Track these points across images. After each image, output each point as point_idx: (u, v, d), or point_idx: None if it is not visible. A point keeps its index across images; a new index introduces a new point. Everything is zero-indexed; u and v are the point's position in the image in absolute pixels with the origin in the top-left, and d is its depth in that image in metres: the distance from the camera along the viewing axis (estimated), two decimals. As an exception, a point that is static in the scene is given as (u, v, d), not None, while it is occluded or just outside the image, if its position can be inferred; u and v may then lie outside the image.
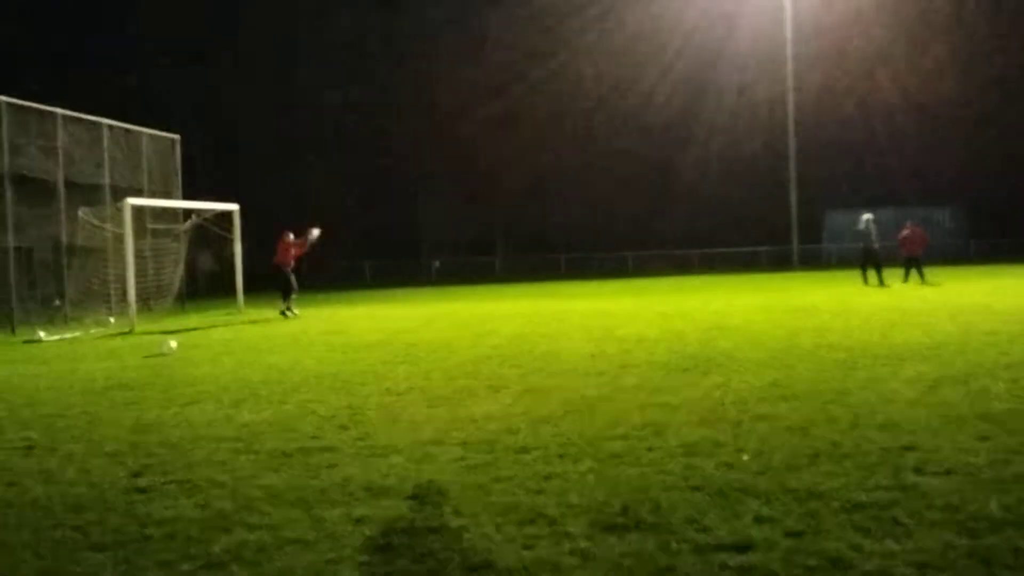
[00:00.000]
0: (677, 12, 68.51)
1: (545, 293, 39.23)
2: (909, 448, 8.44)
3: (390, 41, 72.80)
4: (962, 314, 20.91)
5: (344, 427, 10.53)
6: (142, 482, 8.37)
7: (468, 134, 69.82)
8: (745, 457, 8.33)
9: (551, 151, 71.66)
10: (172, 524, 7.09)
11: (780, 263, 60.56)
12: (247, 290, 35.93)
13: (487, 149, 70.50)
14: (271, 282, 31.54)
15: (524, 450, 9.01)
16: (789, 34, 59.33)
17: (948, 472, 7.61)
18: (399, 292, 45.67)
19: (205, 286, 37.44)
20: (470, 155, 70.60)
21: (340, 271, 62.41)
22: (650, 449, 8.83)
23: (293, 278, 30.22)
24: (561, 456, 8.70)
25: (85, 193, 32.22)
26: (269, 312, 31.82)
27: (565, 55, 70.96)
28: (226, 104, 70.13)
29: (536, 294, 38.85)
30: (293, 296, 30.48)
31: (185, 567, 6.18)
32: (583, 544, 6.29)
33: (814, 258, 63.52)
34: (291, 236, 30.53)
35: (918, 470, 7.70)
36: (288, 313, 29.86)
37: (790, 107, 60.01)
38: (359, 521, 6.99)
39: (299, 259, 31.01)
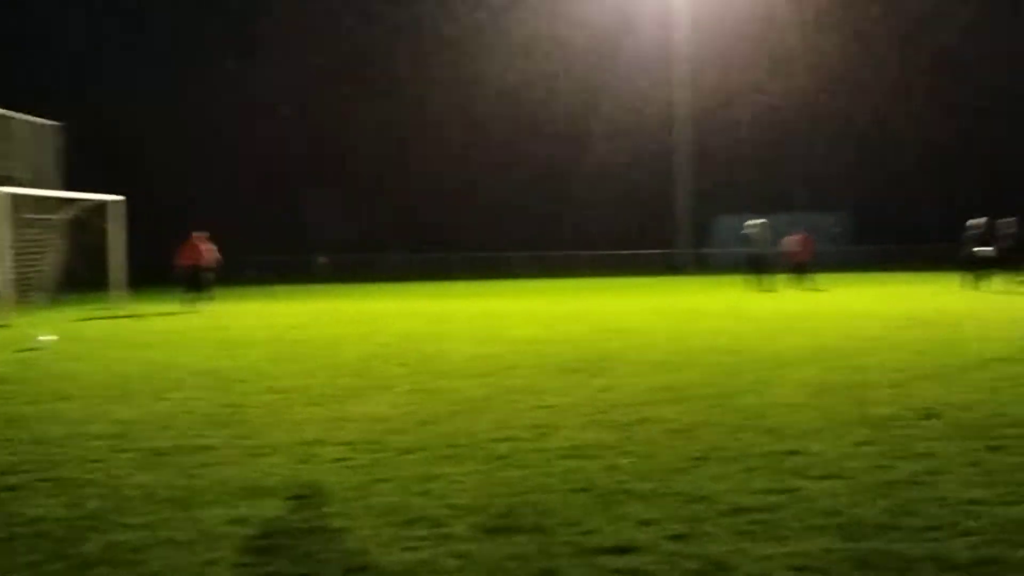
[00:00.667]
0: (570, 15, 68.87)
1: (436, 293, 39.09)
2: (793, 452, 8.48)
3: (282, 36, 72.00)
4: (847, 319, 21.26)
5: (224, 425, 10.28)
6: (11, 480, 8.05)
7: (360, 132, 69.43)
8: (631, 460, 8.31)
9: (446, 150, 71.52)
10: (41, 523, 6.81)
11: (671, 267, 61.19)
12: (132, 284, 35.15)
13: (379, 147, 70.16)
14: (172, 279, 31.83)
15: (408, 451, 8.88)
16: (680, 39, 59.98)
17: (830, 476, 7.65)
18: (285, 289, 45.16)
19: (86, 279, 36.49)
20: (362, 153, 70.15)
21: (225, 267, 61.56)
22: (536, 451, 8.76)
23: (200, 277, 30.83)
24: (446, 457, 8.58)
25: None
26: (151, 307, 31.22)
27: (460, 55, 70.91)
28: (118, 97, 68.76)
29: (427, 293, 38.68)
30: (198, 295, 30.75)
31: (55, 567, 5.92)
32: (465, 546, 6.18)
33: (704, 262, 64.27)
34: (197, 237, 31.29)
35: (801, 474, 7.73)
36: (194, 305, 30.12)
37: (681, 112, 60.64)
38: (237, 522, 6.79)
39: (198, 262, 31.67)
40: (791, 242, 37.14)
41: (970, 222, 32.83)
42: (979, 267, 31.85)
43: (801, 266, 36.07)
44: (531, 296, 35.02)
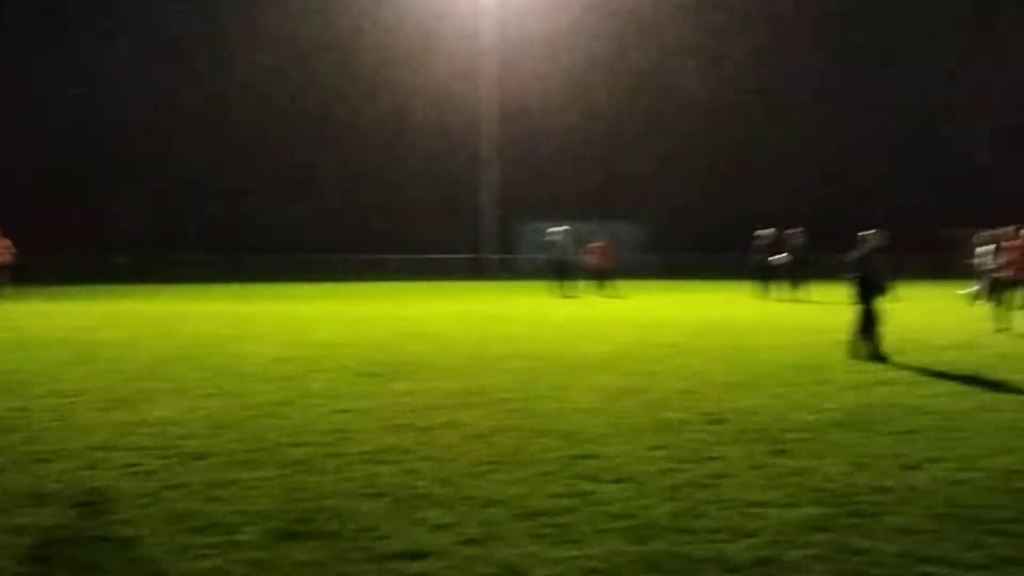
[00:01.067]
0: (380, 19, 68.62)
1: (237, 295, 38.34)
2: (587, 456, 8.66)
3: (82, 34, 69.61)
4: (645, 326, 21.76)
5: (8, 431, 9.90)
6: None
7: (163, 131, 67.65)
8: (429, 465, 8.34)
9: (250, 151, 70.23)
10: None
11: (477, 271, 61.51)
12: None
13: (184, 147, 68.50)
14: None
15: (202, 456, 8.73)
16: (488, 46, 60.41)
17: (622, 480, 7.84)
18: (81, 289, 43.65)
19: None
20: (165, 152, 68.36)
21: (18, 265, 59.14)
22: (333, 456, 8.72)
23: None
24: (240, 463, 8.47)
25: None
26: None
27: (264, 57, 69.80)
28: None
29: (228, 295, 37.89)
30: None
31: None
32: (256, 553, 6.12)
33: (509, 268, 64.79)
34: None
35: (593, 478, 7.91)
36: None
37: (489, 118, 61.08)
38: (20, 530, 6.57)
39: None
40: (592, 249, 37.78)
41: (758, 232, 34.01)
42: (770, 276, 32.97)
43: (602, 273, 36.73)
44: (335, 299, 34.72)
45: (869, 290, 16.31)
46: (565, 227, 36.82)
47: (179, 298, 35.78)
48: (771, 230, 33.84)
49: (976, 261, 28.94)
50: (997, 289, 20.64)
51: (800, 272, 32.63)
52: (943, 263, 64.63)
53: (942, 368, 14.50)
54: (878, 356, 15.53)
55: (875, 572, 5.76)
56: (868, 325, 16.09)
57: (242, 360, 15.75)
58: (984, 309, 24.46)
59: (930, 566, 5.86)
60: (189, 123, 68.52)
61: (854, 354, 15.78)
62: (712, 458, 8.60)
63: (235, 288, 43.41)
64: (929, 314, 25.54)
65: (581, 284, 36.46)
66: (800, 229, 33.40)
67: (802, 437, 9.49)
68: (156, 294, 38.31)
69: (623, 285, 39.37)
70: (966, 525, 6.65)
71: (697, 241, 65.94)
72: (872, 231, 16.92)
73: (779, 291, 32.87)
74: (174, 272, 58.54)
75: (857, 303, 16.42)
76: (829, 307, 28.02)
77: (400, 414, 10.80)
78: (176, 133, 68.41)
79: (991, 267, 28.20)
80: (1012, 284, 20.52)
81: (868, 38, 71.35)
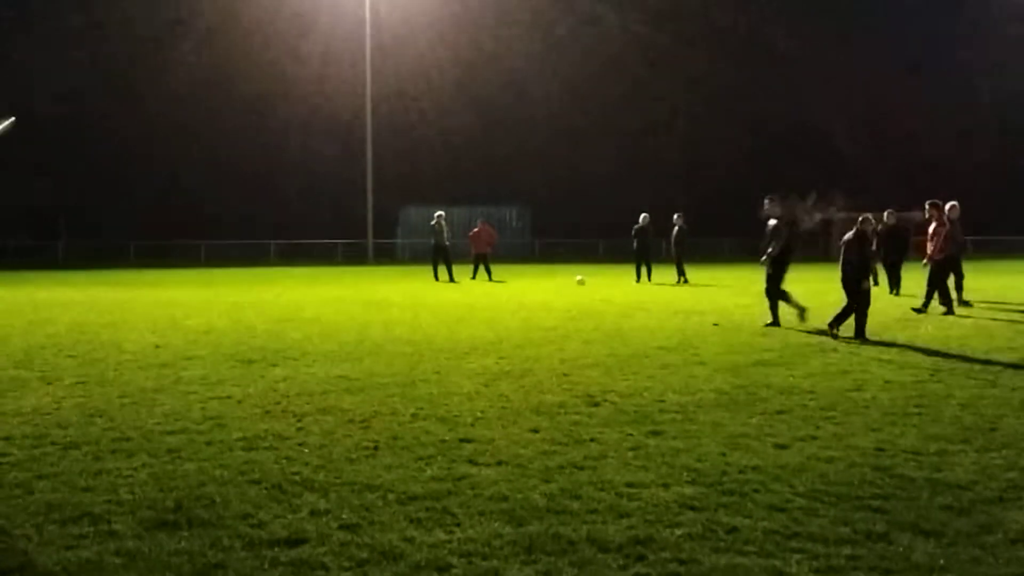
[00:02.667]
0: (257, 2, 67.79)
1: (111, 281, 37.55)
2: (466, 440, 8.69)
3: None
4: (524, 310, 21.85)
5: None
6: None
7: (34, 117, 65.86)
8: (306, 451, 8.29)
9: (126, 136, 68.73)
10: None
11: (356, 257, 61.18)
12: None
13: (54, 127, 66.75)
14: None
15: (74, 445, 8.55)
16: (368, 30, 60.01)
17: (500, 463, 7.89)
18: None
19: None
20: (31, 138, 66.53)
21: None
22: (209, 443, 8.61)
23: None
24: (114, 451, 8.32)
25: None
26: None
27: (146, 39, 68.47)
28: None
29: (102, 282, 37.07)
30: None
31: None
32: (130, 543, 6.02)
33: (389, 253, 64.55)
34: None
35: (472, 461, 7.94)
36: None
37: (368, 103, 60.72)
38: None
39: None
40: (472, 234, 37.83)
41: (642, 216, 34.35)
42: (648, 260, 33.39)
43: (481, 257, 36.79)
44: (212, 285, 34.23)
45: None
46: (443, 212, 36.74)
47: (48, 284, 34.90)
48: (647, 215, 34.21)
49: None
50: (939, 273, 20.52)
51: (679, 256, 33.11)
52: (817, 246, 66.35)
53: (815, 349, 14.84)
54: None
55: (747, 549, 5.87)
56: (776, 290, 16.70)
57: (116, 348, 15.44)
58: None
59: (800, 542, 6.00)
60: (63, 112, 66.78)
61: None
62: (589, 440, 8.69)
63: (110, 275, 42.48)
64: (804, 295, 26.06)
65: (461, 268, 36.46)
66: (679, 214, 33.86)
67: (677, 418, 9.64)
68: (27, 281, 37.33)
69: (504, 269, 39.55)
70: (835, 502, 6.82)
71: (577, 225, 66.47)
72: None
73: (657, 274, 33.34)
74: (44, 259, 57.18)
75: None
76: (706, 290, 28.49)
77: (277, 400, 10.71)
78: (51, 120, 66.55)
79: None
80: (943, 265, 20.56)
81: (746, 29, 72.60)
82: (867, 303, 16.41)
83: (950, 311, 19.98)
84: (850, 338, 15.96)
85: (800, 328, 17.56)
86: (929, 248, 20.70)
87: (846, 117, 71.43)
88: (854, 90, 72.91)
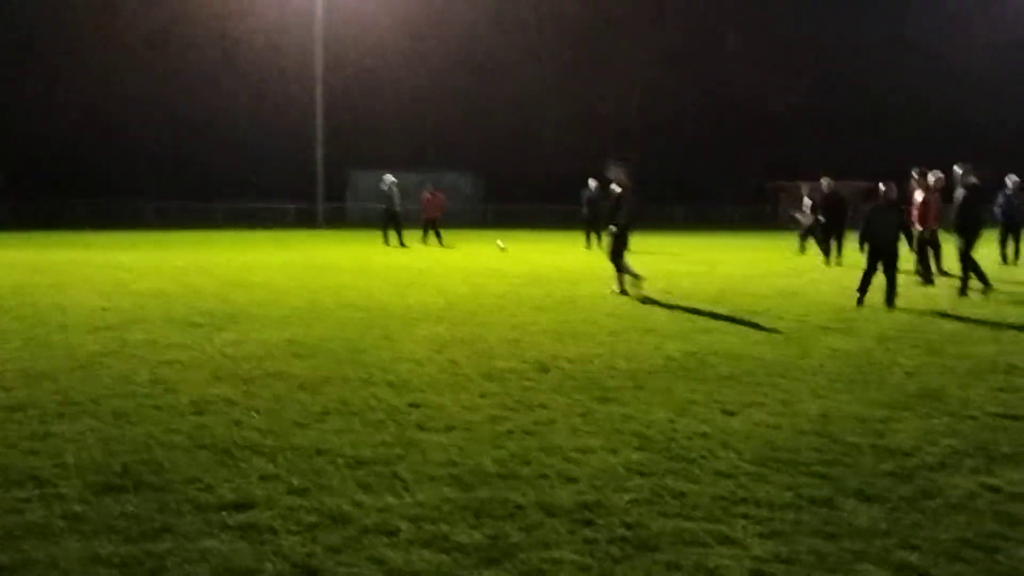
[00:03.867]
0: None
1: (55, 242, 37.06)
2: (415, 405, 8.69)
3: None
4: (475, 277, 21.85)
5: None
6: None
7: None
8: (255, 415, 8.26)
9: (74, 93, 67.80)
10: None
11: (306, 221, 60.83)
12: None
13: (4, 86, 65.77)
14: None
15: (18, 408, 8.46)
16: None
17: (449, 428, 7.90)
18: None
19: None
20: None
21: None
22: (157, 407, 8.56)
23: None
24: (60, 415, 8.24)
25: None
26: None
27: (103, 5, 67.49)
28: None
29: (44, 243, 36.58)
30: None
31: None
32: (76, 507, 5.98)
33: (339, 217, 64.22)
34: None
35: (421, 427, 7.94)
36: None
37: (318, 67, 60.24)
38: None
39: None
40: (423, 199, 37.70)
41: (591, 182, 34.34)
42: (599, 226, 33.43)
43: (431, 223, 36.68)
44: (160, 247, 33.91)
45: None
46: (393, 177, 36.54)
47: (-6, 246, 34.42)
48: (597, 181, 34.24)
49: (797, 213, 30.08)
50: (924, 246, 20.47)
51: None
52: (765, 214, 66.76)
53: (763, 316, 14.96)
54: None
55: (694, 515, 5.93)
56: None
57: (61, 310, 15.28)
58: (805, 258, 25.35)
59: (746, 507, 6.06)
60: (10, 72, 65.73)
61: None
62: (539, 406, 8.72)
63: (54, 236, 41.95)
64: (753, 263, 26.28)
65: (411, 233, 36.35)
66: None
67: (626, 384, 9.69)
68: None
69: (455, 235, 39.49)
70: (781, 468, 6.90)
71: (529, 191, 66.48)
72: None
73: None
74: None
75: None
76: (655, 258, 28.59)
77: (226, 364, 10.66)
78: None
79: (805, 218, 29.34)
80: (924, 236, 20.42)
81: None
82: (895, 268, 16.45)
83: (929, 281, 19.94)
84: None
85: (756, 293, 17.67)
86: (915, 217, 20.58)
87: (804, 85, 71.94)
88: (813, 59, 73.31)
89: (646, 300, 17.13)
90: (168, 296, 17.40)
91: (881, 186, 16.77)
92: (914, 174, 21.11)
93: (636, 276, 18.09)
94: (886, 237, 16.25)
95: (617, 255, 18.19)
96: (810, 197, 29.51)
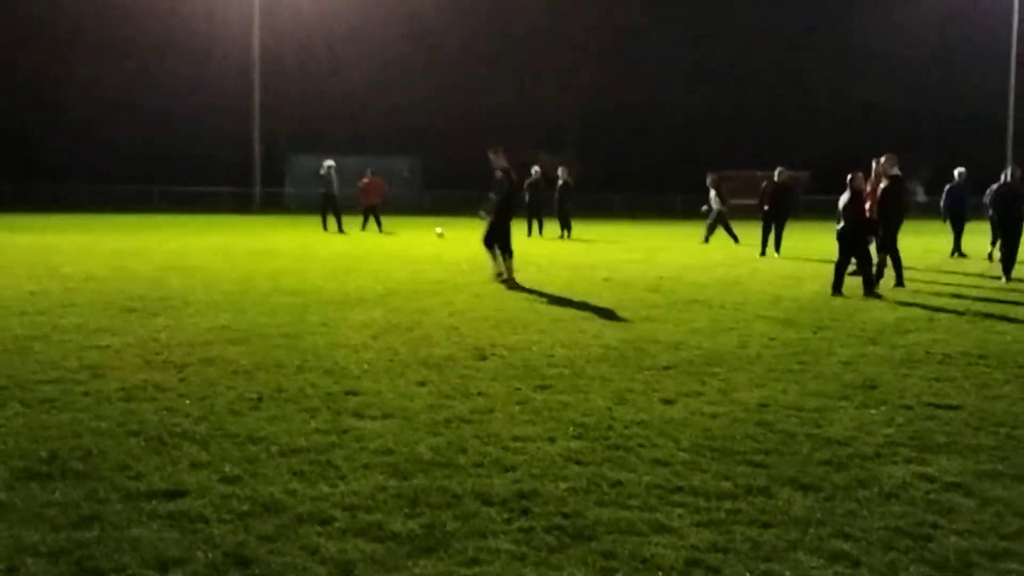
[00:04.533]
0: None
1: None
2: (351, 393, 8.60)
3: None
4: (414, 263, 21.75)
5: None
6: None
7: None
8: (187, 402, 8.13)
9: (5, 73, 66.55)
10: None
11: (243, 205, 60.28)
12: None
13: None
14: None
15: (-57, 394, 8.27)
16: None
17: (386, 416, 7.82)
18: None
19: None
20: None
21: None
22: (87, 393, 8.40)
23: None
24: (-14, 401, 8.06)
25: None
26: None
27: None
28: None
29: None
30: None
31: None
32: (1, 494, 5.84)
33: (277, 202, 63.69)
34: None
35: (358, 414, 7.86)
36: None
37: (256, 48, 59.70)
38: None
39: None
40: (363, 185, 37.48)
41: (534, 169, 34.30)
42: (538, 214, 33.44)
43: (371, 208, 36.46)
44: (93, 231, 33.42)
45: None
46: (332, 162, 36.26)
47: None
48: (539, 168, 34.27)
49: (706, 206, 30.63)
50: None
51: (563, 210, 33.18)
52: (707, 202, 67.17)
53: (702, 305, 15.00)
54: None
55: (630, 503, 5.90)
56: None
57: (-10, 293, 15.00)
58: (743, 248, 25.53)
59: (682, 496, 6.04)
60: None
61: None
62: (477, 394, 8.67)
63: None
64: (693, 253, 26.39)
65: (350, 219, 36.13)
66: (564, 168, 33.91)
67: (565, 373, 9.66)
68: None
69: (393, 221, 39.31)
70: (718, 456, 6.90)
71: (469, 178, 66.31)
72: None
73: (548, 229, 33.46)
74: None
75: None
76: (595, 245, 28.66)
77: (158, 350, 10.49)
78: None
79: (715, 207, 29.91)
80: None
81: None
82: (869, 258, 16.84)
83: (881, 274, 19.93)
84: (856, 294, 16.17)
85: (697, 282, 17.73)
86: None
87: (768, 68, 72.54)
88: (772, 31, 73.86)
89: (586, 287, 17.12)
90: (100, 280, 17.13)
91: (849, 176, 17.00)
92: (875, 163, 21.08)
93: (507, 266, 17.86)
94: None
95: (493, 239, 18.00)
96: (713, 186, 30.11)
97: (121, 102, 66.90)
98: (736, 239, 27.73)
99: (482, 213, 18.27)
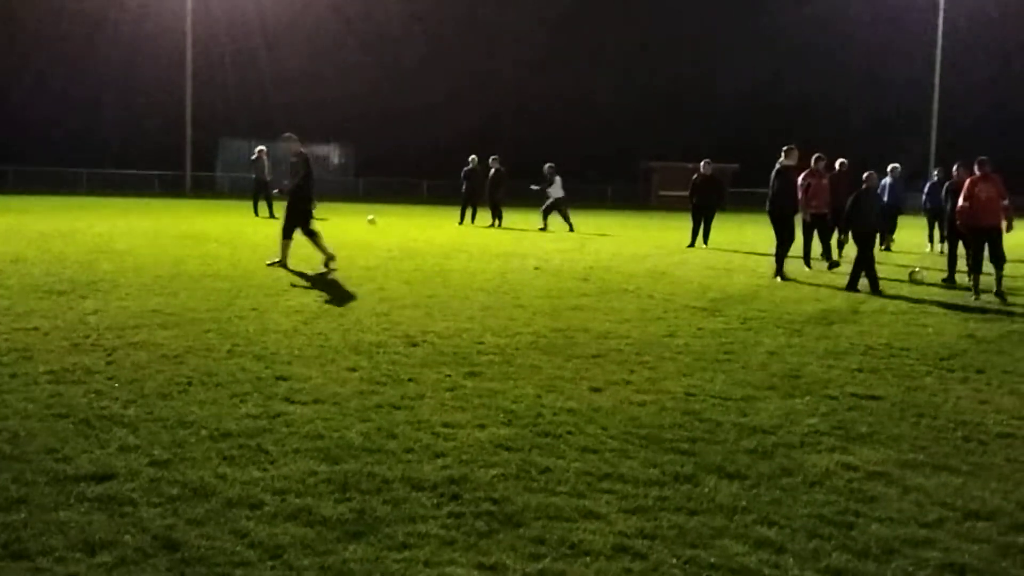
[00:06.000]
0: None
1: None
2: (282, 378, 8.59)
3: None
4: (345, 249, 21.60)
5: None
6: None
7: None
8: (116, 385, 8.07)
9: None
10: None
11: (173, 189, 59.65)
12: None
13: None
14: None
15: None
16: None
17: (316, 401, 7.83)
18: None
19: None
20: None
21: None
22: (14, 375, 8.33)
23: None
24: (-90, 382, 7.95)
25: None
26: None
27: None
28: None
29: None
30: None
31: None
32: (-74, 477, 5.78)
33: (208, 186, 63.10)
34: None
35: (288, 399, 7.86)
36: None
37: (188, 33, 59.11)
38: None
39: None
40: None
41: (471, 158, 34.27)
42: (473, 202, 33.47)
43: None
44: (20, 213, 32.90)
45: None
46: (263, 147, 35.97)
47: None
48: (476, 157, 34.27)
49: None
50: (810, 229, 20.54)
51: (494, 198, 33.18)
52: (637, 193, 67.47)
53: (631, 295, 15.13)
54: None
55: (559, 490, 5.98)
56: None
57: (-87, 274, 14.75)
58: (673, 238, 25.73)
59: (610, 483, 6.13)
60: None
61: None
62: (407, 380, 8.70)
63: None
64: (623, 243, 26.55)
65: (282, 205, 35.87)
66: (495, 157, 33.92)
67: (495, 360, 9.72)
68: None
69: (324, 208, 39.05)
70: (645, 444, 6.99)
71: (402, 165, 66.09)
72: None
73: (480, 218, 33.49)
74: None
75: None
76: (527, 234, 28.73)
77: (87, 334, 10.39)
78: None
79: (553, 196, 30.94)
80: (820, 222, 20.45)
81: None
82: (871, 253, 16.94)
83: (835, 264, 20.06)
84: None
85: (626, 271, 17.85)
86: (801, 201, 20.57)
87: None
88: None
89: (517, 276, 17.18)
90: (28, 262, 16.91)
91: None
92: (813, 159, 21.22)
93: (329, 255, 17.56)
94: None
95: (304, 225, 17.78)
96: (546, 173, 31.91)
97: (50, 84, 65.78)
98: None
99: (277, 192, 18.16)
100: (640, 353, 10.38)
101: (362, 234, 27.04)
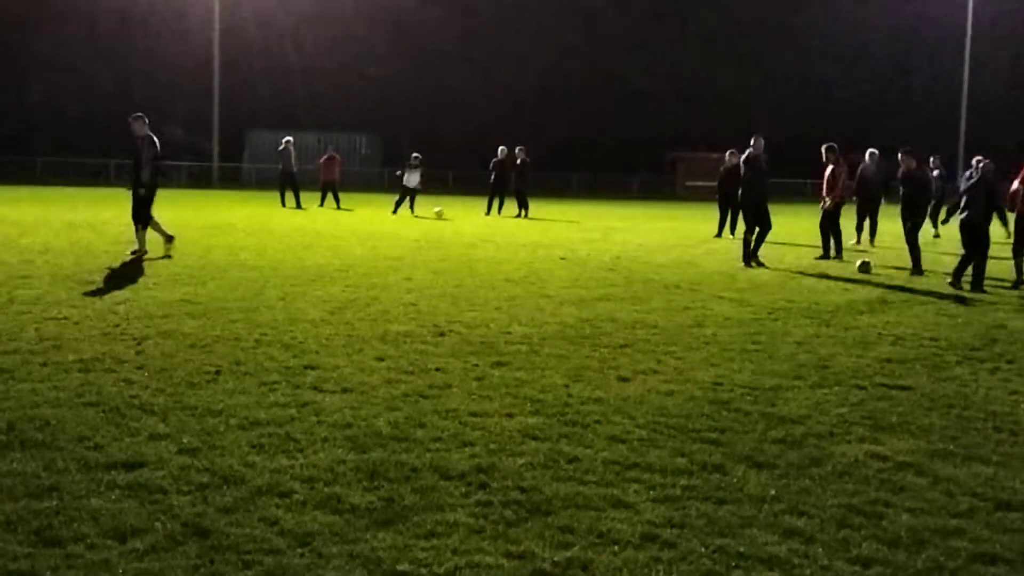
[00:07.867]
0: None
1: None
2: (310, 367, 8.61)
3: None
4: (372, 239, 21.71)
5: None
6: None
7: None
8: (146, 374, 8.11)
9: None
10: None
11: (201, 180, 59.85)
12: None
13: None
14: None
15: (-102, 364, 8.20)
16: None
17: (345, 390, 7.85)
18: None
19: None
20: None
21: None
22: (44, 364, 8.38)
23: None
24: (-58, 371, 8.01)
25: None
26: None
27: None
28: None
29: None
30: None
31: None
32: (-42, 465, 5.82)
33: (235, 177, 63.28)
34: None
35: (316, 388, 7.88)
36: None
37: (216, 23, 59.27)
38: None
39: None
40: (321, 161, 37.32)
41: (500, 148, 34.22)
42: (500, 192, 33.49)
43: (329, 185, 36.33)
44: (50, 204, 33.12)
45: None
46: (291, 137, 36.07)
47: None
48: (505, 148, 34.22)
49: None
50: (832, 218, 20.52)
51: (521, 189, 33.14)
52: (663, 184, 67.33)
53: (658, 285, 15.09)
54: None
55: (587, 479, 5.97)
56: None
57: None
58: (703, 229, 25.61)
59: (638, 472, 6.11)
60: None
61: None
62: (435, 369, 8.71)
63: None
64: (649, 233, 26.50)
65: (308, 195, 35.98)
66: (521, 147, 33.86)
67: (522, 350, 9.72)
68: None
69: (353, 198, 39.14)
70: (673, 434, 6.97)
71: (429, 155, 66.11)
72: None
73: (508, 208, 33.48)
74: None
75: None
76: (553, 224, 28.71)
77: (117, 323, 10.45)
78: None
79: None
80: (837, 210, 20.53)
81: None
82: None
83: (826, 256, 20.07)
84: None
85: (653, 262, 17.82)
86: (824, 192, 20.65)
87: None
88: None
89: (544, 266, 17.16)
90: (57, 252, 17.02)
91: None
92: (823, 150, 21.14)
93: (168, 236, 17.63)
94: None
95: (144, 211, 17.61)
96: (419, 166, 33.03)
97: (78, 76, 66.08)
98: (396, 211, 30.28)
99: (129, 184, 18.05)
100: (667, 343, 10.36)
101: (390, 224, 27.09)
